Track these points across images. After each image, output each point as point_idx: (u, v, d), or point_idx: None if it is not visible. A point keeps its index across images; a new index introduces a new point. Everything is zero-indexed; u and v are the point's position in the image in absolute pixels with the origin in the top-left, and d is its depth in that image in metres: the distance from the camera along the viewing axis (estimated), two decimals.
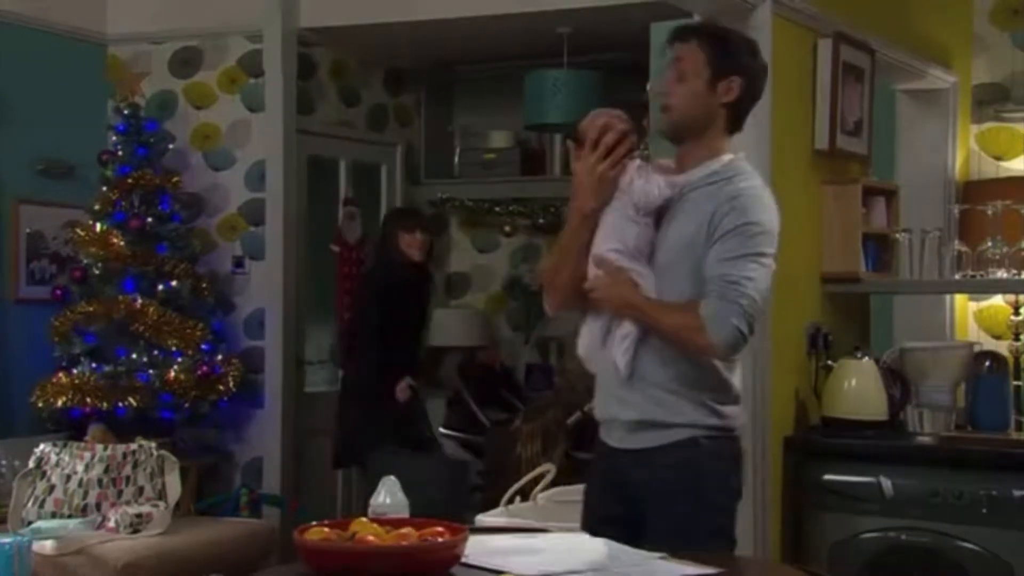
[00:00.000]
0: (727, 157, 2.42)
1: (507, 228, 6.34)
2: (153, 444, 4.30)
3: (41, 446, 4.17)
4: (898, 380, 3.50)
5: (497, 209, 6.24)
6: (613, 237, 2.40)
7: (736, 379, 2.42)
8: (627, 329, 2.38)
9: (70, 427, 4.85)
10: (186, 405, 4.99)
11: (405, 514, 2.23)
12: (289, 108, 5.36)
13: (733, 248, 2.29)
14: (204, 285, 5.19)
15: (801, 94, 3.58)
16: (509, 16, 5.11)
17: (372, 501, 2.27)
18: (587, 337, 2.48)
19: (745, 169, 2.41)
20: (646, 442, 2.39)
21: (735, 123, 2.45)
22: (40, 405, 4.84)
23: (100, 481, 4.10)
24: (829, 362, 3.52)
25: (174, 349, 4.98)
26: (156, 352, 4.97)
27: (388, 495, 2.26)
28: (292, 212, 5.40)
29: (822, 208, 3.56)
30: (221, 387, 5.09)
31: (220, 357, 5.10)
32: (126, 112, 5.14)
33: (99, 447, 4.19)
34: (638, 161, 2.41)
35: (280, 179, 5.34)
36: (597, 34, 5.31)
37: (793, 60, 3.53)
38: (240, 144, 5.44)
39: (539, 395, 5.88)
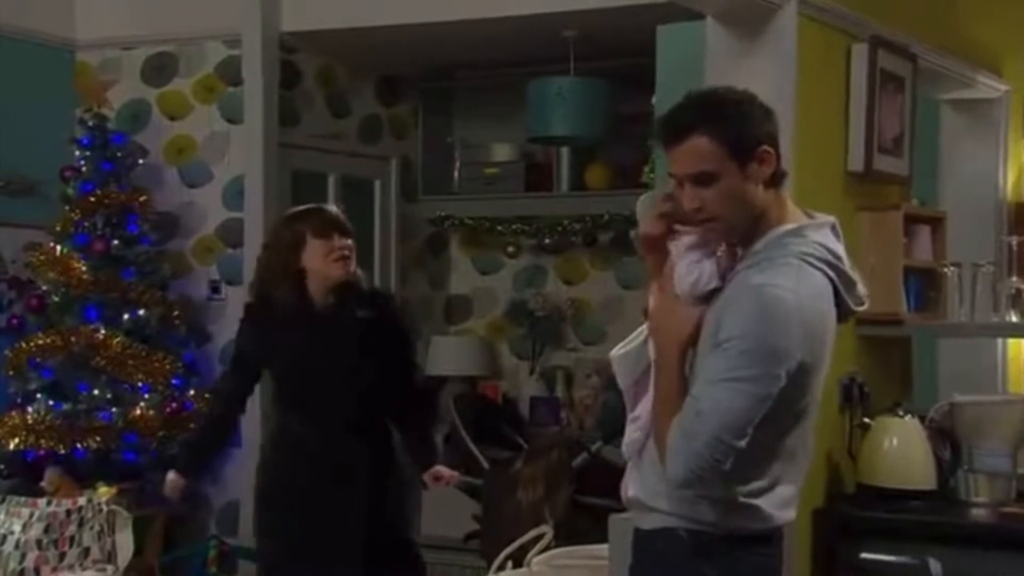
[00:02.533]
0: (782, 229, 2.06)
1: (511, 248, 5.97)
2: (103, 499, 3.87)
3: None
4: (947, 441, 3.01)
5: (500, 228, 5.84)
6: None
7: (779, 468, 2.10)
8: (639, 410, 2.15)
9: (24, 471, 4.45)
10: (153, 446, 4.59)
11: None
12: (271, 119, 5.00)
13: (712, 366, 1.98)
14: (175, 313, 4.82)
15: (832, 107, 3.11)
16: (510, 19, 4.79)
17: None
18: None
19: (787, 250, 2.02)
20: (639, 523, 2.20)
21: (778, 181, 2.09)
22: None
23: (40, 543, 3.68)
24: (866, 419, 3.02)
25: (140, 384, 4.61)
26: (120, 388, 4.57)
27: None
28: None
29: (857, 239, 3.06)
30: (192, 425, 4.68)
31: (192, 392, 4.75)
32: (91, 124, 4.74)
33: (41, 503, 3.77)
34: (687, 239, 2.08)
35: (260, 197, 4.96)
36: (605, 38, 4.98)
37: (823, 68, 3.06)
38: (217, 158, 5.06)
39: (543, 432, 5.45)
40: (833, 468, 3.02)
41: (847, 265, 2.09)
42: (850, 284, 2.09)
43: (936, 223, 3.34)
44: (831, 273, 2.05)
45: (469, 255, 6.10)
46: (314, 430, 3.42)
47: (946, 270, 3.20)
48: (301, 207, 3.59)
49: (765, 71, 2.84)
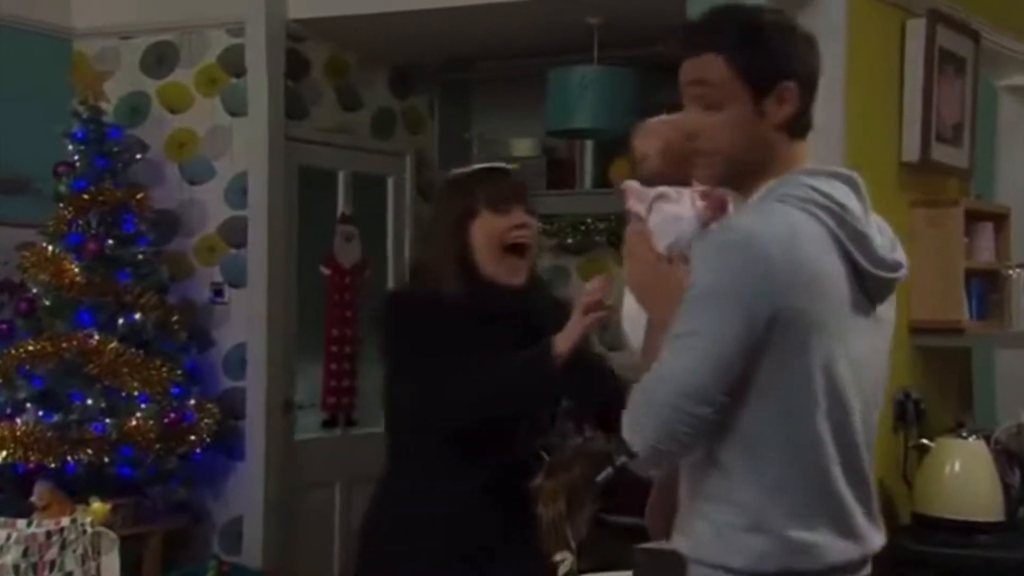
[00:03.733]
0: (775, 181, 1.74)
1: None
2: (88, 519, 3.57)
3: None
4: (1017, 466, 2.68)
5: None
6: None
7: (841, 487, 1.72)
8: None
9: (14, 486, 4.18)
10: (149, 460, 4.31)
11: None
12: (276, 112, 4.72)
13: (672, 325, 1.70)
14: (175, 318, 4.52)
15: (885, 90, 2.79)
16: (531, 4, 4.51)
17: None
18: None
19: (769, 195, 1.72)
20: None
21: (799, 130, 1.76)
22: None
23: (17, 568, 3.35)
24: (923, 440, 2.70)
25: (136, 393, 4.31)
26: (115, 397, 4.29)
27: None
28: (280, 232, 4.73)
29: (912, 237, 2.74)
30: (193, 437, 4.43)
31: (192, 402, 4.45)
32: (85, 117, 4.47)
33: (20, 523, 3.46)
34: (667, 190, 1.91)
35: (265, 193, 4.68)
36: (632, 25, 4.62)
37: (875, 46, 2.74)
38: (220, 154, 4.78)
39: (565, 444, 5.14)
40: (886, 497, 2.69)
41: (858, 218, 1.71)
42: (860, 238, 1.71)
43: (1000, 220, 3.02)
44: (829, 220, 1.69)
45: None
46: (490, 471, 2.49)
47: (1011, 272, 2.87)
48: (474, 167, 2.59)
49: None
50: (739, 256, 1.63)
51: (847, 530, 1.73)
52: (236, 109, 4.74)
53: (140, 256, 4.46)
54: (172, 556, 4.50)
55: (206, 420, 4.45)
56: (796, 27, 1.77)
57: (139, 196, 4.48)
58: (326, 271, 5.07)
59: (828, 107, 1.94)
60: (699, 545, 1.73)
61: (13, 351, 4.27)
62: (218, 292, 4.77)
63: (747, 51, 1.72)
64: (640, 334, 1.94)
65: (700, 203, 1.88)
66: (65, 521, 3.49)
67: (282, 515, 4.74)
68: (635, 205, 1.92)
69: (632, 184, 1.98)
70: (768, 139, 1.74)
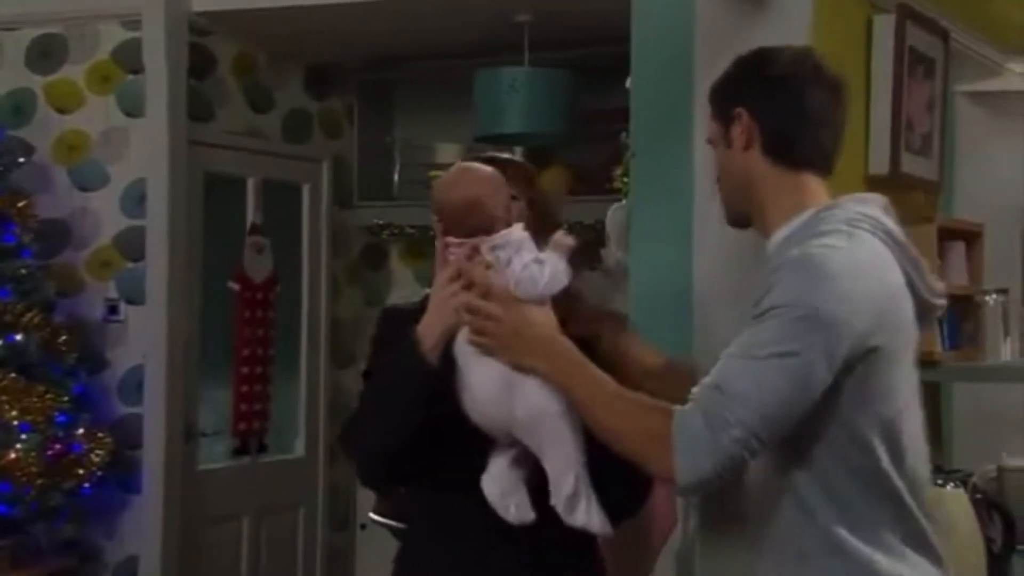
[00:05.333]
0: (811, 210, 1.74)
1: None
2: None
3: None
4: (998, 515, 2.40)
5: None
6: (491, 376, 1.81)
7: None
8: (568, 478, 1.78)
9: None
10: (31, 496, 3.91)
11: None
12: (178, 113, 4.38)
13: (744, 341, 1.62)
14: (62, 338, 4.14)
15: (850, 94, 2.49)
16: (457, 1, 4.29)
17: None
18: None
19: (828, 222, 1.68)
20: None
21: (790, 160, 1.77)
22: None
23: None
24: None
25: (16, 423, 3.91)
26: None
27: None
28: (182, 243, 4.40)
29: None
30: (81, 470, 4.06)
31: (81, 431, 4.09)
32: None
33: None
34: (511, 235, 1.84)
35: (165, 202, 4.35)
36: (565, 24, 4.41)
37: (839, 45, 2.44)
38: (115, 158, 4.41)
39: None
40: None
41: (909, 244, 1.74)
42: (916, 263, 1.73)
43: (972, 239, 2.74)
44: (894, 247, 1.71)
45: (410, 267, 5.45)
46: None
47: (988, 298, 2.60)
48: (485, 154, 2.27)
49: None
50: (836, 274, 1.59)
51: (936, 559, 1.71)
52: (133, 109, 4.38)
53: (23, 271, 4.10)
54: None
55: (97, 451, 4.11)
56: (764, 54, 1.79)
57: (22, 204, 4.10)
58: (235, 286, 4.72)
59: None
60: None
61: None
62: (113, 310, 4.41)
63: (714, 90, 1.82)
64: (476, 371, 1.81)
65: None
66: None
67: (183, 552, 4.42)
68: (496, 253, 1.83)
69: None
70: (748, 172, 1.77)
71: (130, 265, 4.38)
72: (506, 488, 1.83)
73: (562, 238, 1.86)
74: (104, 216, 4.40)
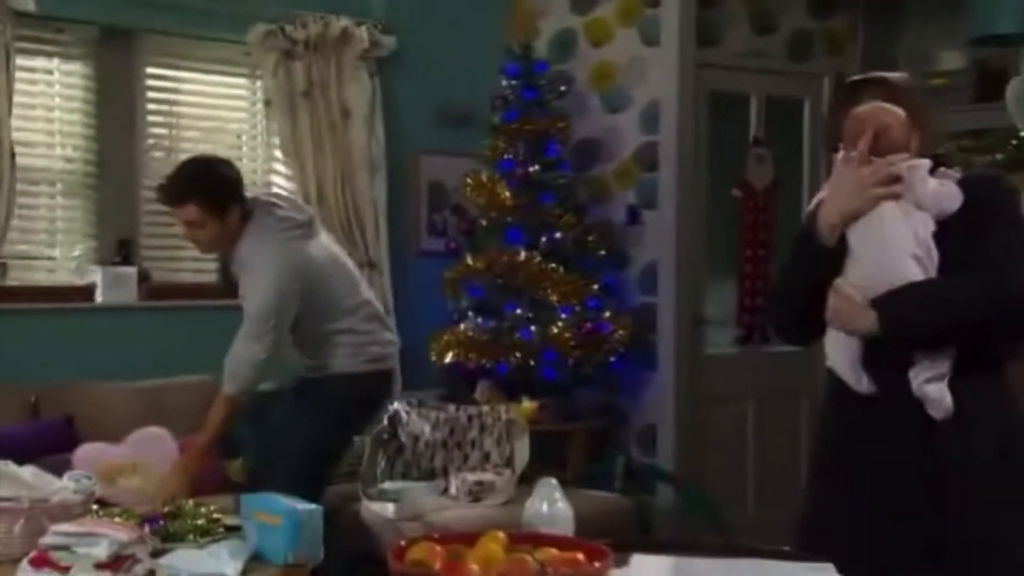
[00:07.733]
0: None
1: None
2: (503, 407, 4.08)
3: (395, 404, 4.11)
4: None
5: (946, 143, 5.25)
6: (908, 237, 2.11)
7: None
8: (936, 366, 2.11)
9: (458, 382, 4.78)
10: (569, 364, 4.73)
11: (567, 529, 1.77)
12: (687, 40, 4.91)
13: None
14: (591, 237, 4.89)
15: None
16: None
17: (527, 507, 1.82)
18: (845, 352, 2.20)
19: None
20: None
21: None
22: (433, 359, 4.81)
23: (445, 444, 3.96)
24: None
25: (557, 304, 4.74)
26: (541, 307, 4.75)
27: (546, 502, 1.81)
28: (689, 155, 4.95)
29: None
30: (607, 346, 4.78)
31: (608, 314, 4.79)
32: (518, 54, 4.94)
33: (450, 408, 4.05)
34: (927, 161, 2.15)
35: (674, 119, 4.90)
36: None
37: None
38: (636, 83, 5.05)
39: None
40: None
41: None
42: None
43: None
44: None
45: None
46: None
47: None
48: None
49: None
50: None
51: None
52: (651, 39, 4.96)
53: (562, 180, 4.85)
54: (594, 451, 4.87)
55: (620, 331, 4.77)
56: None
57: (560, 125, 4.87)
58: (738, 193, 5.18)
59: None
60: None
61: (459, 266, 4.86)
62: (633, 214, 5.05)
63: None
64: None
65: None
66: (485, 408, 4.04)
67: (692, 427, 4.95)
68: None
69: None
70: None
71: (647, 175, 4.99)
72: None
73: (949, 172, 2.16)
74: (626, 133, 5.04)
